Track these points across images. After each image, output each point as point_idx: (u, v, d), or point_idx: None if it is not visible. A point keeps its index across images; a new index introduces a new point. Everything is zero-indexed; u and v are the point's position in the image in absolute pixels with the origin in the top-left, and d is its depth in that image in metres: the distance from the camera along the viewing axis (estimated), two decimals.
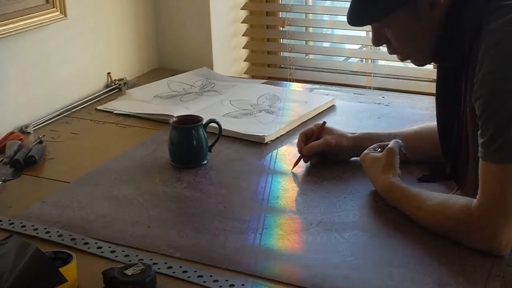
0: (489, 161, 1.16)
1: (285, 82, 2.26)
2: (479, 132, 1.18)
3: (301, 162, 1.56)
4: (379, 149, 1.44)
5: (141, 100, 2.00)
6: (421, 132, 1.55)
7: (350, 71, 2.42)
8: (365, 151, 1.45)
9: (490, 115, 1.15)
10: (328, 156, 1.56)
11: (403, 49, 1.36)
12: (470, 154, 1.28)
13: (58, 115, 1.93)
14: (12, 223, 1.34)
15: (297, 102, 1.95)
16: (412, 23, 1.28)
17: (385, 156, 1.40)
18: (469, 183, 1.29)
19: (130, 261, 1.19)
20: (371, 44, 2.46)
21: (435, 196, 1.27)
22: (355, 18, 1.34)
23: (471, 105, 1.23)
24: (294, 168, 1.55)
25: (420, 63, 1.40)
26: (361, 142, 1.53)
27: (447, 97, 1.38)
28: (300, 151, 1.56)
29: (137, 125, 1.86)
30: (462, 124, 1.32)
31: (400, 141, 1.43)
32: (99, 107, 1.98)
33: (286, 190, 1.47)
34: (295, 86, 2.20)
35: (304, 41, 2.58)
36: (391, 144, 1.42)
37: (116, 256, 1.22)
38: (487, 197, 1.16)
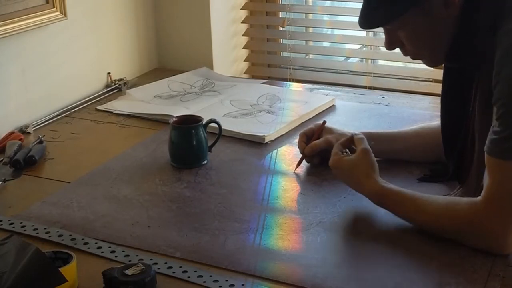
0: (504, 159, 1.14)
1: (285, 82, 2.26)
2: (494, 130, 1.15)
3: (302, 162, 1.56)
4: (346, 151, 1.40)
5: (141, 100, 2.00)
6: (421, 132, 1.54)
7: (350, 71, 2.42)
8: (335, 156, 1.39)
9: (508, 116, 1.14)
10: (328, 156, 1.55)
11: (417, 51, 1.32)
12: (475, 155, 1.27)
13: (58, 115, 1.93)
14: (12, 223, 1.34)
15: (297, 102, 1.95)
16: (426, 24, 1.25)
17: (364, 157, 1.34)
18: (470, 183, 1.29)
19: (130, 261, 1.19)
20: (371, 44, 2.48)
21: (435, 198, 1.26)
22: (367, 20, 1.29)
23: (480, 105, 1.22)
24: (294, 168, 1.55)
25: (433, 64, 1.38)
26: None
27: (454, 98, 1.36)
28: (302, 151, 1.56)
29: (137, 125, 1.86)
30: (469, 125, 1.31)
31: (361, 134, 1.39)
32: (99, 107, 1.98)
33: (286, 190, 1.47)
34: (295, 86, 2.20)
35: (304, 41, 2.58)
36: (360, 143, 1.37)
37: (116, 256, 1.22)
38: (499, 195, 1.15)
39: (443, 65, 1.39)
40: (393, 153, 1.54)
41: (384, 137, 1.53)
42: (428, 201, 1.25)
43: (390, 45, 1.33)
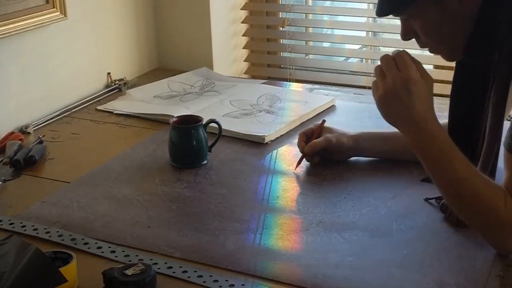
0: None
1: (285, 82, 2.26)
2: None
3: (302, 162, 1.56)
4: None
5: (141, 100, 2.00)
6: None
7: (350, 71, 2.42)
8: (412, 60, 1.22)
9: None
10: (328, 156, 1.56)
11: (432, 43, 1.29)
12: (483, 150, 1.25)
13: (58, 115, 1.93)
14: (12, 223, 1.34)
15: (297, 102, 1.95)
16: (440, 16, 1.22)
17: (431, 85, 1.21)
18: None
19: (130, 261, 1.19)
20: (371, 44, 2.48)
21: (486, 178, 1.17)
22: (380, 8, 1.27)
23: (494, 101, 1.21)
24: (294, 168, 1.55)
25: (450, 58, 1.34)
26: (361, 141, 1.54)
27: (465, 94, 1.33)
28: (301, 150, 1.56)
29: (137, 125, 1.86)
30: (483, 121, 1.27)
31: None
32: (99, 107, 1.98)
33: (286, 190, 1.47)
34: (295, 86, 2.20)
35: (304, 41, 2.58)
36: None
37: (116, 256, 1.22)
38: None
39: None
40: (393, 152, 1.53)
41: (385, 136, 1.52)
42: (476, 173, 1.17)
43: (404, 36, 1.29)
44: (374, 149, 1.56)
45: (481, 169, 1.23)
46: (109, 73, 2.16)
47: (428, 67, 2.21)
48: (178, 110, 1.84)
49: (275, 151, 1.66)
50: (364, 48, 2.55)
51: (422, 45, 1.31)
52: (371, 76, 2.35)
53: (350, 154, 1.57)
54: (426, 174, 1.48)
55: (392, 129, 1.62)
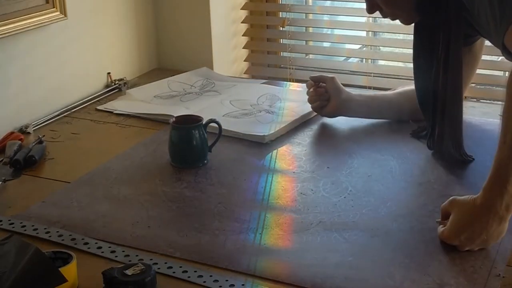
0: None
1: (285, 82, 2.26)
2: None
3: (302, 164, 1.56)
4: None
5: (141, 100, 2.01)
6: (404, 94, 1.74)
7: (350, 71, 2.42)
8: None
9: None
10: (324, 112, 1.77)
11: (392, 11, 1.49)
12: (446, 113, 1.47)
13: (58, 115, 1.93)
14: (12, 223, 1.34)
15: (297, 102, 1.94)
16: None
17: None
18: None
19: (130, 261, 1.19)
20: (371, 44, 2.48)
21: None
22: None
23: (444, 61, 1.41)
24: (294, 168, 1.55)
25: (408, 21, 1.53)
26: (346, 101, 1.75)
27: (423, 55, 1.54)
28: (310, 91, 1.78)
29: (137, 125, 1.86)
30: (438, 82, 1.46)
31: None
32: (99, 107, 1.98)
33: (286, 190, 1.47)
34: (295, 86, 2.20)
35: (304, 41, 2.58)
36: None
37: (116, 256, 1.22)
38: None
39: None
40: (378, 114, 1.77)
41: (370, 97, 1.77)
42: None
43: (370, 9, 1.50)
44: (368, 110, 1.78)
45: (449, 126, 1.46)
46: (109, 73, 2.16)
47: None
48: (178, 110, 1.84)
49: (275, 151, 1.66)
50: (364, 48, 2.55)
51: (385, 15, 1.51)
52: (371, 76, 2.35)
53: (339, 110, 1.76)
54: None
55: (390, 126, 1.75)
